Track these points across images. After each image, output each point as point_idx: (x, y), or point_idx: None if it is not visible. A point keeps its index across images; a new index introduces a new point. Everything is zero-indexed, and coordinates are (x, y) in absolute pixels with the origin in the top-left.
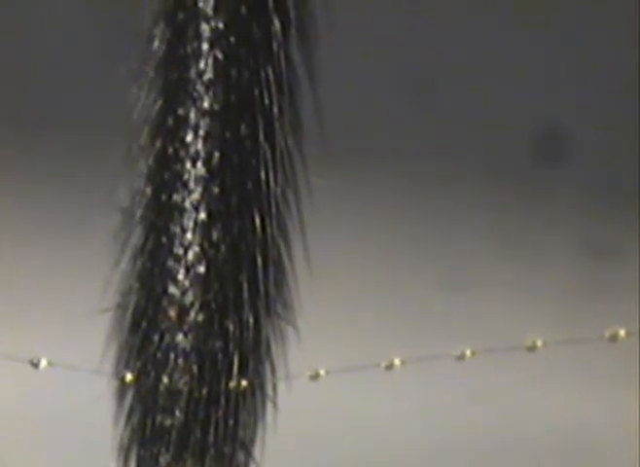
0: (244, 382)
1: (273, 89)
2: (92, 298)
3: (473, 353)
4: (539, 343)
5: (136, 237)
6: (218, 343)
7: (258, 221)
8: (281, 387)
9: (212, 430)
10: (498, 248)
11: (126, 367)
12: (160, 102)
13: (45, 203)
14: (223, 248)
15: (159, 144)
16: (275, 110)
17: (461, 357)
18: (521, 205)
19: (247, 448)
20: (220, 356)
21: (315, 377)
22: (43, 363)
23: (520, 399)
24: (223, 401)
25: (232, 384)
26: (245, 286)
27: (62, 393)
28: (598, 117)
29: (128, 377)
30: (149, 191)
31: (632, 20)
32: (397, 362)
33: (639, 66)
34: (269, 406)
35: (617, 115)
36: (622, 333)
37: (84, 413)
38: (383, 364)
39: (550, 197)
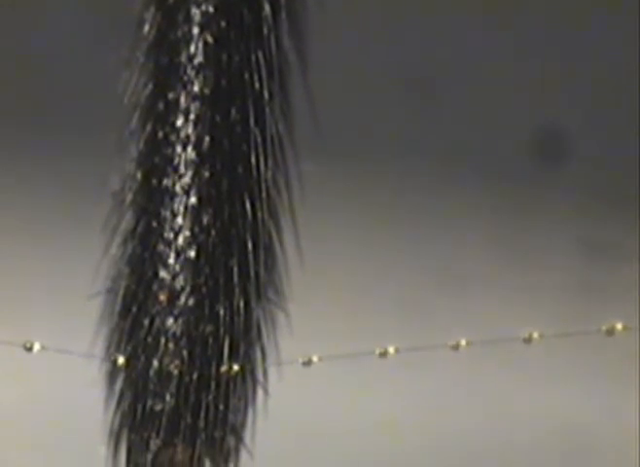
0: (235, 367)
1: (264, 73)
2: (84, 282)
3: (468, 343)
4: (535, 336)
5: (127, 222)
6: (208, 328)
7: (248, 205)
8: (273, 373)
9: (203, 414)
10: (497, 248)
11: (117, 351)
12: (150, 86)
13: (36, 188)
14: (213, 232)
15: (149, 128)
16: (266, 94)
17: (456, 347)
18: (521, 205)
19: (238, 432)
20: (210, 340)
21: (308, 363)
22: (36, 347)
23: (516, 392)
24: (213, 385)
25: (223, 369)
26: (236, 270)
27: (55, 377)
28: (598, 117)
29: (120, 360)
30: (139, 175)
31: (632, 20)
32: (391, 350)
33: (639, 66)
34: (260, 391)
35: (617, 115)
36: (620, 326)
37: (75, 396)
38: (377, 351)
39: (550, 198)
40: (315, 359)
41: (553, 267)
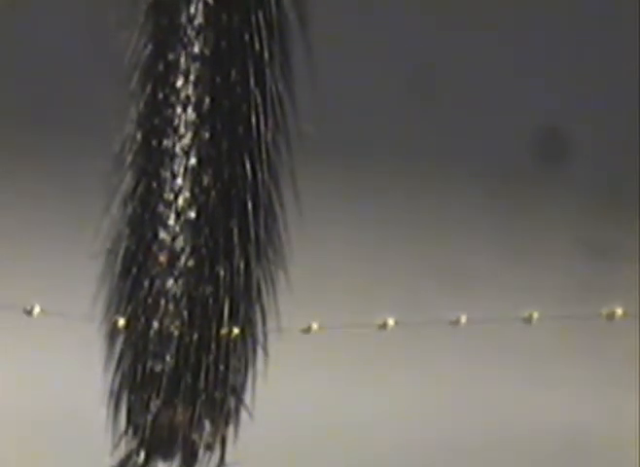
0: (235, 330)
1: (264, 33)
2: (83, 245)
3: (468, 320)
4: (535, 316)
5: (126, 183)
6: (208, 289)
7: (248, 166)
8: (272, 339)
9: (203, 375)
10: (497, 247)
11: (117, 313)
12: (150, 47)
13: (35, 151)
14: (213, 193)
15: (149, 89)
16: (266, 55)
17: (456, 323)
18: (521, 205)
19: (238, 393)
20: (210, 301)
21: (307, 330)
22: (36, 310)
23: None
24: (214, 346)
25: (224, 332)
26: (236, 231)
27: (55, 340)
28: (598, 117)
29: (120, 322)
30: (139, 136)
31: (632, 20)
32: (391, 322)
33: (639, 66)
34: (260, 352)
35: (617, 115)
36: (620, 312)
37: (76, 359)
38: (377, 323)
39: (550, 198)
40: (315, 326)
41: (553, 268)
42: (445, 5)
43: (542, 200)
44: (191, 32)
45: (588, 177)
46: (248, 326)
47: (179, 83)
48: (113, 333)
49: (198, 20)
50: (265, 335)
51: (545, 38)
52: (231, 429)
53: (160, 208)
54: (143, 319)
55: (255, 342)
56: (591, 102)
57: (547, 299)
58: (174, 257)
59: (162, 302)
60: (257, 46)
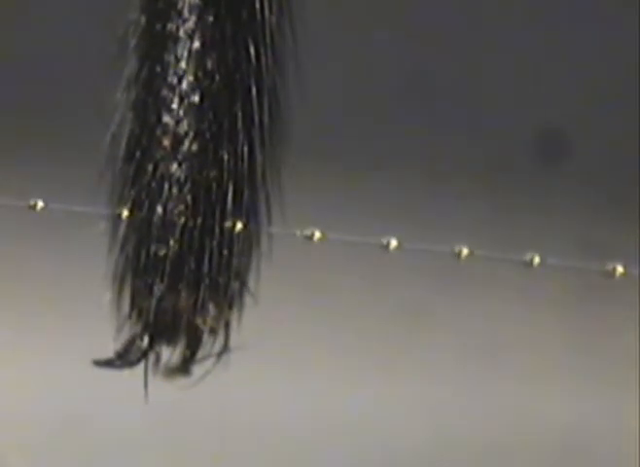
0: (239, 224)
1: None
2: (88, 134)
3: (470, 253)
4: (536, 260)
5: (130, 67)
6: (212, 173)
7: (252, 50)
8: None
9: (206, 260)
10: (497, 247)
11: (121, 198)
12: None
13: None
14: (217, 77)
15: None
16: None
17: (458, 255)
18: (521, 205)
19: (242, 277)
20: (214, 186)
21: (310, 237)
22: (39, 205)
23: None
24: (217, 231)
25: (228, 224)
26: (240, 116)
27: (58, 234)
28: (598, 117)
29: (124, 213)
30: (143, 20)
31: (632, 20)
32: (394, 242)
33: (639, 66)
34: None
35: (617, 115)
36: (620, 269)
37: (80, 250)
38: (381, 242)
39: (550, 197)
40: (318, 234)
41: (553, 268)
42: (446, 4)
43: (542, 200)
44: None
45: (588, 177)
46: (253, 218)
47: None
48: (117, 222)
49: None
50: (268, 233)
51: (544, 38)
52: (234, 314)
53: (164, 92)
54: (147, 204)
55: (259, 228)
56: (591, 102)
57: (545, 299)
58: (178, 141)
59: (166, 186)
60: None
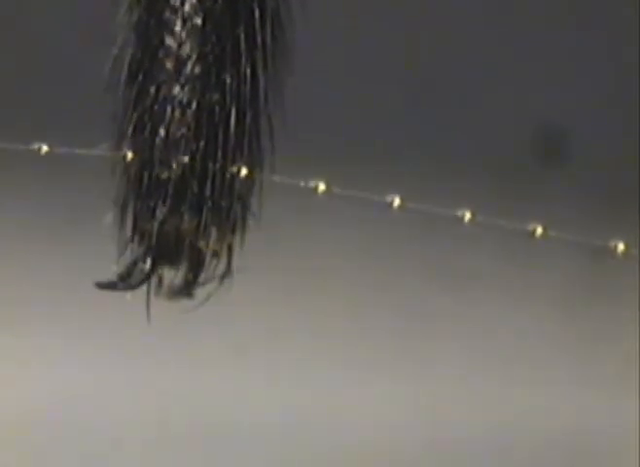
0: (244, 170)
1: None
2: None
3: (473, 214)
4: (539, 230)
5: None
6: (215, 96)
7: None
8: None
9: (209, 183)
10: (497, 247)
11: (123, 120)
12: None
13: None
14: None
15: None
16: None
17: (461, 219)
18: (521, 205)
19: (244, 200)
20: (217, 108)
21: (315, 189)
22: (44, 148)
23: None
24: (220, 154)
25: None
26: (242, 38)
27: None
28: (598, 117)
29: (129, 155)
30: None
31: (632, 20)
32: (397, 201)
33: (639, 66)
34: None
35: (617, 115)
36: (622, 246)
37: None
38: (385, 199)
39: (550, 197)
40: (322, 186)
41: (553, 268)
42: (446, 4)
43: (542, 200)
44: None
45: (588, 177)
46: (257, 162)
47: None
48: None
49: None
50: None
51: (545, 36)
52: (237, 237)
53: (167, 14)
54: (149, 126)
55: (261, 151)
56: (591, 102)
57: (546, 299)
58: (180, 63)
59: (169, 109)
60: None
